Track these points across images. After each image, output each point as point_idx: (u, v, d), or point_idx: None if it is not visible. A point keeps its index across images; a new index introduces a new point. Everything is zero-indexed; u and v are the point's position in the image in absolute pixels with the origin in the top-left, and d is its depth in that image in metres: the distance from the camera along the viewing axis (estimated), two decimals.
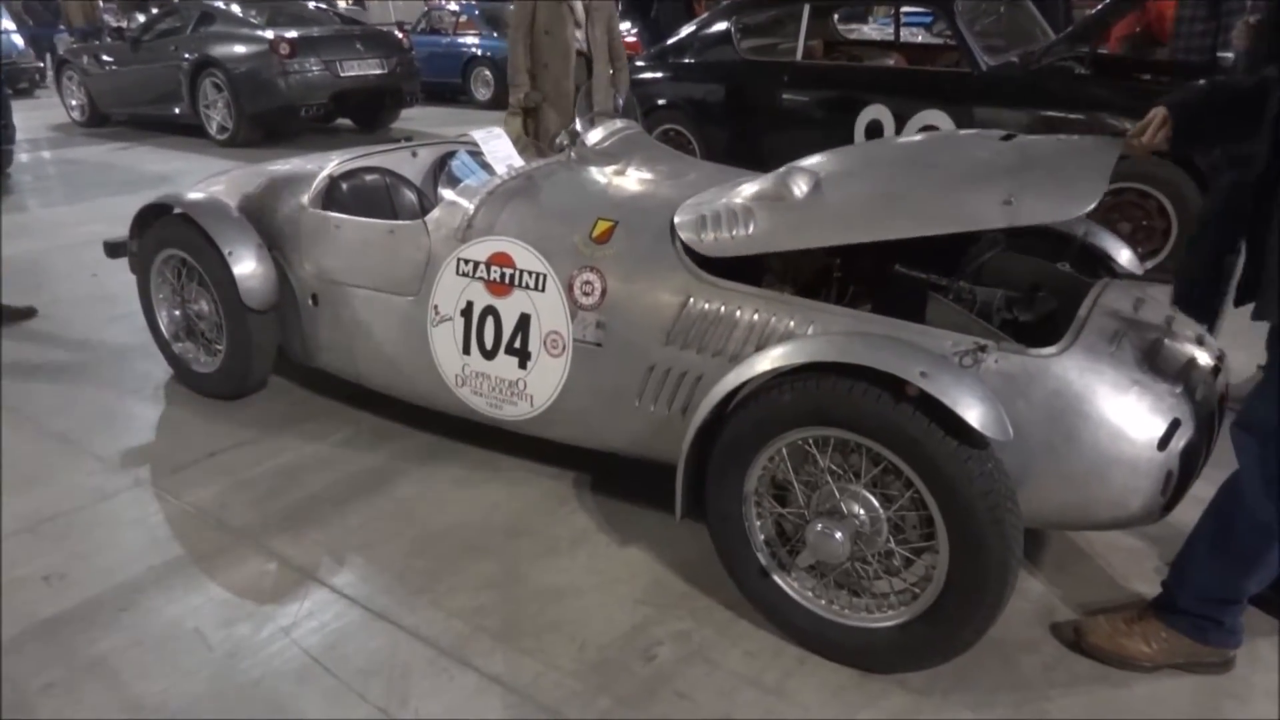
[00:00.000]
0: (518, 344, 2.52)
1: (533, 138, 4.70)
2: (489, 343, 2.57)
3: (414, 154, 3.43)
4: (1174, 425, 1.86)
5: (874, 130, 5.19)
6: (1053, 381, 1.89)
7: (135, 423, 3.09)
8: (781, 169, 2.37)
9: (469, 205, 2.59)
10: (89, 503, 2.59)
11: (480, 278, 2.55)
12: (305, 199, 2.99)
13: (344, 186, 3.14)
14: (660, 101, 6.08)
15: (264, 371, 3.18)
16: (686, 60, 6.11)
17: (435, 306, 2.65)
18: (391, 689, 1.89)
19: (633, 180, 2.63)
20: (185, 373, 3.29)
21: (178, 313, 3.22)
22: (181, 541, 2.40)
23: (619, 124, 3.00)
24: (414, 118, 10.59)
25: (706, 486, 2.03)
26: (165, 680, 1.92)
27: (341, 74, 8.78)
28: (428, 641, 2.03)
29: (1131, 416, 1.86)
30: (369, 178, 3.22)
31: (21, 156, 8.53)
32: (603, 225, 2.42)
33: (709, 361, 2.22)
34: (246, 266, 2.95)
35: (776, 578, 2.00)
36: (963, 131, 2.57)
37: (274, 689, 1.90)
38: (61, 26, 15.76)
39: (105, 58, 9.75)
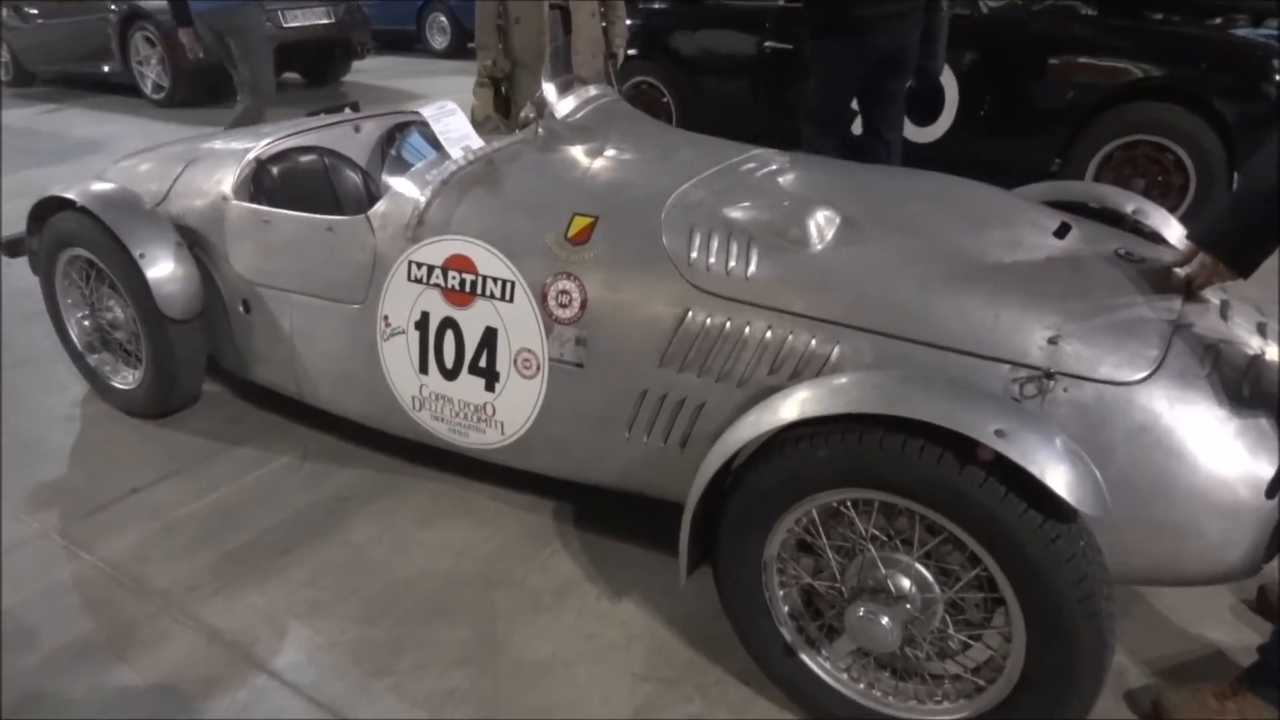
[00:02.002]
0: (483, 363, 2.14)
1: (503, 115, 3.94)
2: (449, 361, 2.18)
3: (356, 129, 2.99)
4: None
5: None
6: (1138, 415, 1.56)
7: (48, 449, 2.68)
8: (799, 193, 1.98)
9: (419, 197, 2.18)
10: None
11: (436, 284, 2.16)
12: (228, 188, 2.56)
13: (274, 171, 2.70)
14: (630, 51, 5.59)
15: (192, 386, 2.77)
16: (659, 4, 5.62)
17: (385, 317, 2.26)
18: None
19: (614, 162, 2.22)
20: (104, 388, 2.87)
21: (88, 321, 2.79)
22: (91, 613, 2.02)
23: (593, 90, 2.57)
24: (366, 69, 9.96)
25: (719, 547, 1.68)
26: None
27: (285, 24, 8.14)
28: None
29: (1233, 457, 1.53)
30: (304, 159, 2.78)
31: None
32: (580, 222, 2.03)
33: (712, 387, 1.86)
34: (163, 269, 2.52)
35: (804, 656, 1.67)
36: (1014, 198, 2.13)
37: None
38: None
39: (29, 10, 9.00)
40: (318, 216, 2.35)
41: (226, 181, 2.57)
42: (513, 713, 1.75)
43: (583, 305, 1.98)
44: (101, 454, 2.65)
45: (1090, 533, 1.39)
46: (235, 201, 2.52)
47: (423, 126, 3.06)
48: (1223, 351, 1.64)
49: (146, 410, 2.80)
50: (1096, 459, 1.54)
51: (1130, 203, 2.34)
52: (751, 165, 2.18)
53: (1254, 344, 1.67)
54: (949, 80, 4.50)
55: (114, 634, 1.96)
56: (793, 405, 1.50)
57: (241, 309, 2.58)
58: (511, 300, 2.06)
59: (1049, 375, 1.60)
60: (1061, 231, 1.89)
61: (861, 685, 1.64)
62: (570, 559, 2.17)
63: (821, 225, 1.84)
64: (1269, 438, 1.55)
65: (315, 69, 9.05)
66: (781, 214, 1.87)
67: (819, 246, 1.83)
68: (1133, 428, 1.56)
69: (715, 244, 1.89)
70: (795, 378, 1.78)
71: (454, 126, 2.30)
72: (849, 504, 1.53)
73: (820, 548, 1.60)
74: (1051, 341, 1.61)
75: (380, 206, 2.24)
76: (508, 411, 2.13)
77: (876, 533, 1.53)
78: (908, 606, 1.50)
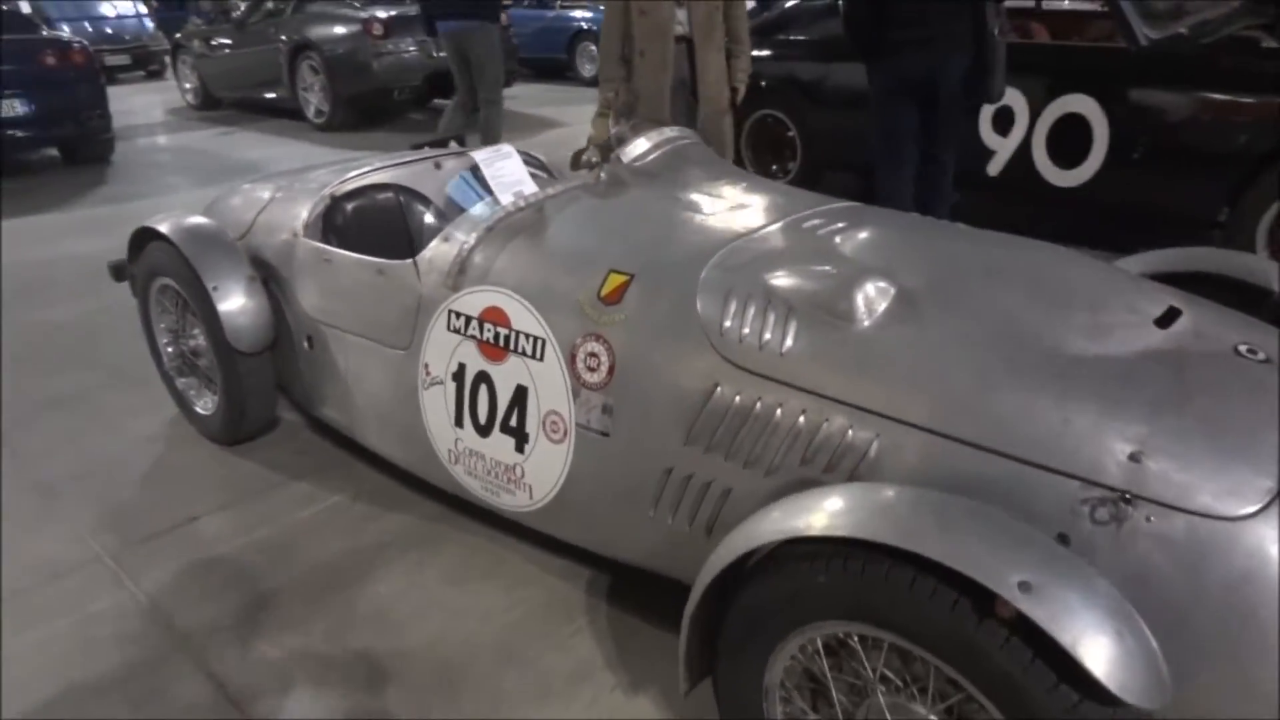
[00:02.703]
0: (514, 422, 2.02)
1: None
2: (483, 416, 2.08)
3: (437, 165, 2.96)
4: None
5: (1002, 119, 4.41)
6: (1241, 559, 1.25)
7: (128, 470, 2.77)
8: (855, 258, 1.77)
9: (462, 244, 2.10)
10: (36, 584, 2.27)
11: (473, 336, 2.06)
12: (300, 224, 2.57)
13: (348, 209, 2.70)
14: (761, 83, 5.41)
15: (261, 417, 2.80)
16: (789, 36, 5.42)
17: (426, 365, 2.19)
18: None
19: (667, 214, 2.06)
20: (189, 412, 2.95)
21: (171, 348, 2.88)
22: (116, 648, 2.03)
23: (669, 132, 2.43)
24: (516, 96, 10.22)
25: (718, 661, 1.48)
26: None
27: (435, 54, 8.44)
28: None
29: None
30: (379, 198, 2.78)
31: (138, 141, 8.64)
32: (615, 280, 1.88)
33: (740, 472, 1.66)
34: (234, 303, 2.56)
35: None
36: (1116, 273, 1.81)
37: None
38: (192, 10, 16.21)
39: (215, 41, 9.78)
40: (370, 259, 2.32)
41: (300, 218, 2.59)
42: None
43: (610, 370, 1.83)
44: (173, 478, 2.72)
45: (1145, 712, 1.10)
46: (304, 239, 2.53)
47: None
48: None
49: (221, 437, 2.85)
50: (1183, 610, 1.26)
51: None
52: (817, 221, 1.97)
53: None
54: (1097, 119, 4.07)
55: (127, 675, 1.96)
56: (790, 517, 1.29)
57: (306, 345, 2.58)
58: (542, 359, 1.94)
59: (1127, 499, 1.31)
60: (1168, 319, 1.58)
61: None
62: (594, 639, 2.01)
63: (871, 299, 1.61)
64: None
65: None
66: (828, 284, 1.66)
67: (866, 323, 1.60)
68: (1234, 575, 1.25)
69: (752, 313, 1.69)
70: (830, 471, 1.56)
71: (507, 171, 2.21)
72: (855, 638, 1.29)
73: (827, 683, 1.37)
74: (1134, 458, 1.33)
75: (427, 251, 2.18)
76: (536, 475, 2.01)
77: (890, 674, 1.29)
78: None
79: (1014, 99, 4.33)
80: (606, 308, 1.86)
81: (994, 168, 4.51)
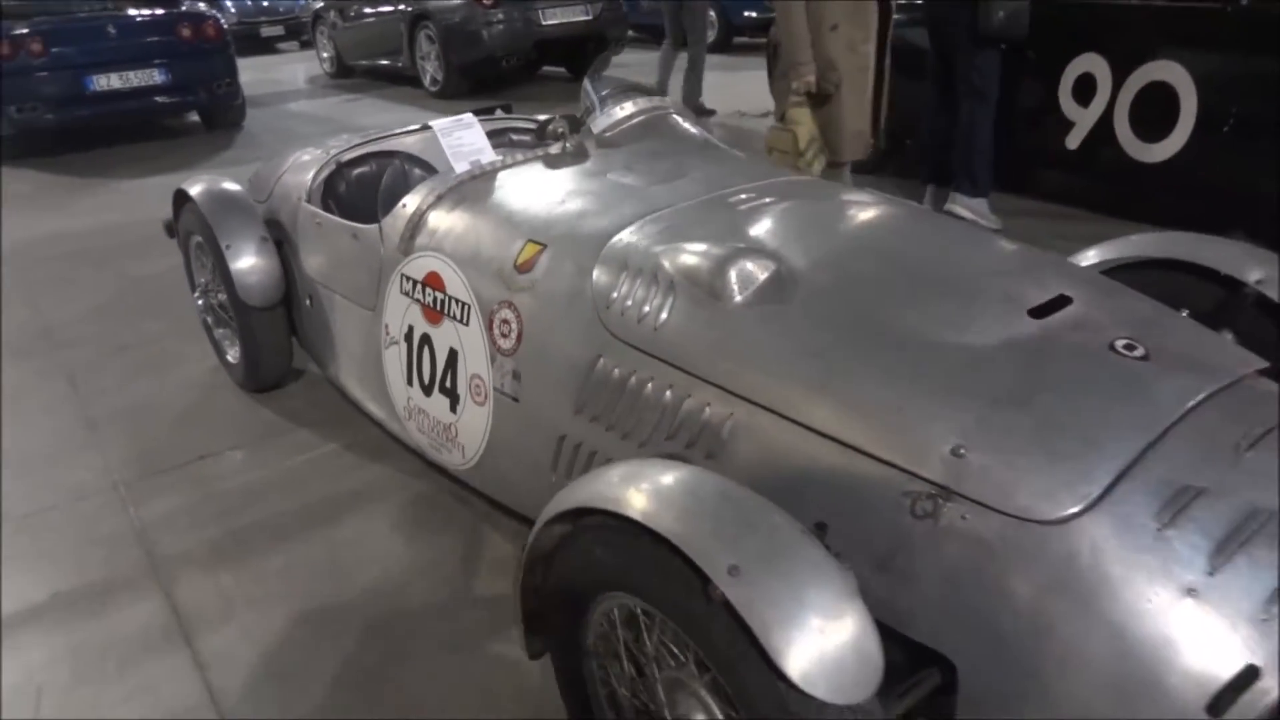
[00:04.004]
0: (448, 383, 2.10)
1: (822, 141, 3.45)
2: (426, 376, 2.17)
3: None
4: (1245, 678, 1.09)
5: (1084, 87, 4.10)
6: (1050, 566, 1.18)
7: (163, 411, 3.05)
8: (752, 235, 1.73)
9: (414, 210, 2.18)
10: (62, 503, 2.55)
11: (418, 300, 2.15)
12: (304, 190, 2.73)
13: (350, 176, 2.84)
14: None
15: (276, 369, 3.01)
16: None
17: (386, 326, 2.29)
18: None
19: (605, 186, 2.07)
20: (223, 360, 3.21)
21: (201, 301, 3.13)
22: (102, 566, 2.27)
23: (646, 103, 2.42)
24: (627, 64, 10.24)
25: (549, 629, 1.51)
26: None
27: (543, 22, 8.60)
28: None
29: (1162, 648, 1.11)
30: (381, 165, 2.90)
31: (273, 107, 9.25)
32: (530, 249, 1.92)
33: (618, 443, 1.68)
34: (244, 261, 2.76)
35: None
36: (1027, 260, 1.68)
37: None
38: None
39: (347, 11, 10.29)
40: (347, 223, 2.44)
41: (305, 183, 2.75)
42: None
43: (519, 337, 1.88)
44: (198, 420, 2.97)
45: (871, 709, 1.07)
46: (304, 203, 2.69)
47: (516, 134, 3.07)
48: (1212, 498, 1.19)
49: (244, 385, 3.09)
50: (988, 614, 1.21)
51: (1259, 267, 1.79)
52: (744, 197, 1.93)
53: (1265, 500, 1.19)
54: (1185, 87, 3.72)
55: (107, 589, 2.19)
56: (576, 490, 1.30)
57: (308, 303, 2.75)
58: (468, 324, 2.00)
59: (945, 495, 1.26)
60: (1050, 308, 1.47)
61: None
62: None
63: (745, 277, 1.58)
64: (1234, 632, 1.10)
65: (575, 63, 9.47)
66: (709, 260, 1.63)
67: (736, 301, 1.57)
68: (1040, 582, 1.18)
69: (638, 287, 1.69)
70: (690, 447, 1.56)
71: (467, 140, 2.27)
72: (640, 611, 1.30)
73: (634, 653, 1.38)
74: (955, 453, 1.26)
75: (390, 217, 2.27)
76: (466, 435, 2.08)
77: (675, 649, 1.29)
78: None
79: (1096, 64, 4.03)
80: (519, 276, 1.90)
81: (1073, 140, 4.21)
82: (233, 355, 3.12)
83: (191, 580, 2.21)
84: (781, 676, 1.00)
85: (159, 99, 7.32)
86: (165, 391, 3.18)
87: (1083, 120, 4.15)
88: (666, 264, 1.68)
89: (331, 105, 9.21)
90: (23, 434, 2.94)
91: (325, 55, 11.11)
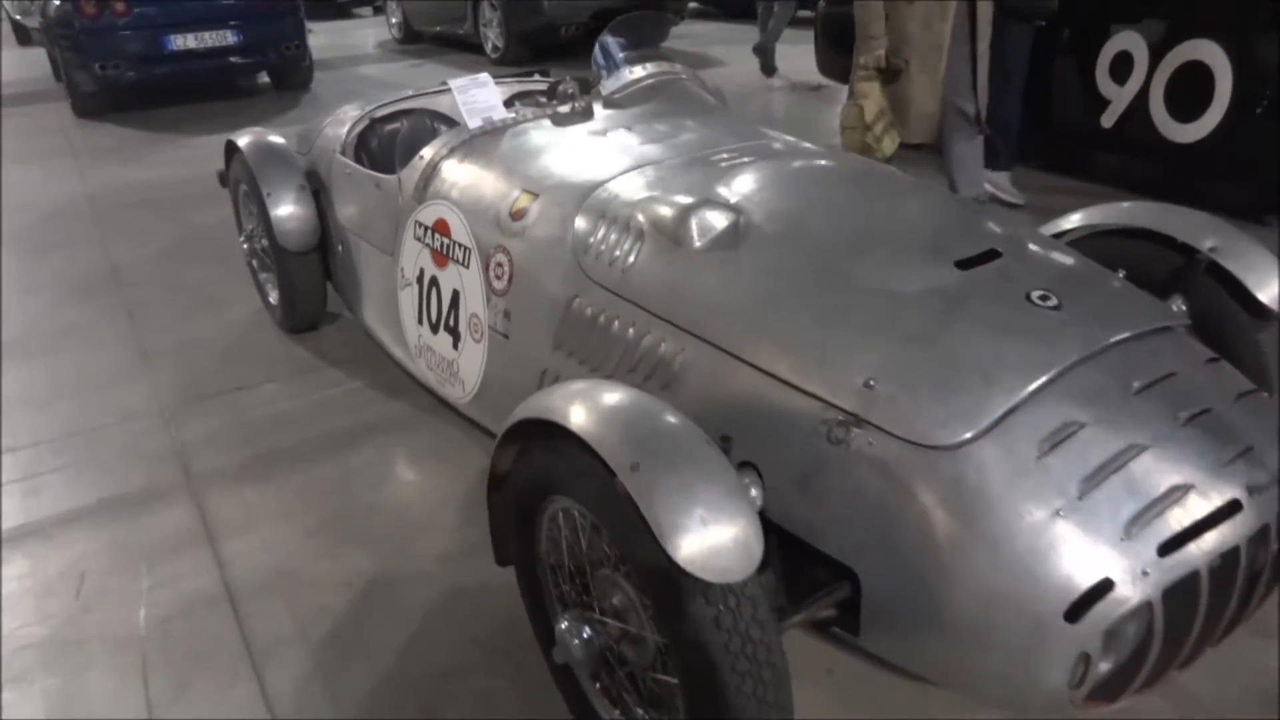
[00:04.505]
0: (451, 322, 2.28)
1: (892, 116, 3.48)
2: (433, 316, 2.36)
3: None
4: (1099, 589, 1.20)
5: (1120, 66, 4.07)
6: (937, 488, 1.30)
7: (210, 346, 3.30)
8: (721, 190, 1.85)
9: (428, 161, 2.36)
10: (111, 422, 2.82)
11: (428, 245, 2.33)
12: (340, 143, 2.93)
13: (383, 130, 3.03)
14: None
15: (311, 313, 3.24)
16: None
17: (402, 269, 2.48)
18: (179, 679, 1.84)
19: (599, 143, 2.22)
20: (265, 302, 3.45)
21: (245, 245, 3.37)
22: (143, 478, 2.52)
23: (659, 67, 2.55)
24: (688, 35, 10.31)
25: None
26: (19, 620, 2.02)
27: None
28: (249, 639, 1.94)
29: (1030, 562, 1.23)
30: (410, 122, 3.08)
31: (340, 70, 9.56)
32: (524, 198, 2.08)
33: (587, 377, 1.83)
34: (284, 209, 2.97)
35: (575, 669, 1.62)
36: (958, 215, 1.80)
37: (89, 651, 1.92)
38: None
39: None
40: (371, 173, 2.63)
41: (341, 137, 2.95)
42: (362, 634, 1.92)
43: (510, 279, 2.04)
44: (239, 356, 3.22)
45: (757, 597, 1.21)
46: (338, 155, 2.89)
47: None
48: (1094, 431, 1.29)
49: (283, 325, 3.33)
50: (885, 534, 1.34)
51: (1214, 236, 1.85)
52: (725, 155, 2.05)
53: (1137, 436, 1.29)
54: (1220, 64, 3.69)
55: (145, 497, 2.44)
56: (523, 408, 1.45)
57: (340, 249, 2.96)
58: (468, 267, 2.17)
59: (856, 423, 1.39)
60: (977, 261, 1.57)
61: (608, 703, 1.57)
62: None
63: (705, 226, 1.71)
64: (1092, 550, 1.21)
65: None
66: (674, 210, 1.77)
67: (694, 247, 1.71)
68: (933, 502, 1.30)
69: (614, 233, 1.84)
70: (647, 380, 1.71)
71: (481, 98, 2.43)
72: (577, 514, 1.46)
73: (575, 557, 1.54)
74: (868, 385, 1.39)
75: (407, 168, 2.45)
76: (466, 370, 2.26)
77: (608, 548, 1.44)
78: (605, 627, 1.41)
79: (1134, 42, 4.00)
80: (513, 222, 2.06)
81: (1108, 119, 4.19)
82: (274, 298, 3.35)
83: (219, 494, 2.44)
84: (668, 558, 1.15)
85: (232, 59, 7.65)
86: (213, 329, 3.44)
87: (1118, 99, 4.13)
88: (638, 213, 1.83)
89: (396, 70, 9.46)
90: (85, 361, 3.22)
91: (394, 21, 11.37)
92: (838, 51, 5.71)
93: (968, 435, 1.30)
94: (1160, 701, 1.65)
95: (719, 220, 1.72)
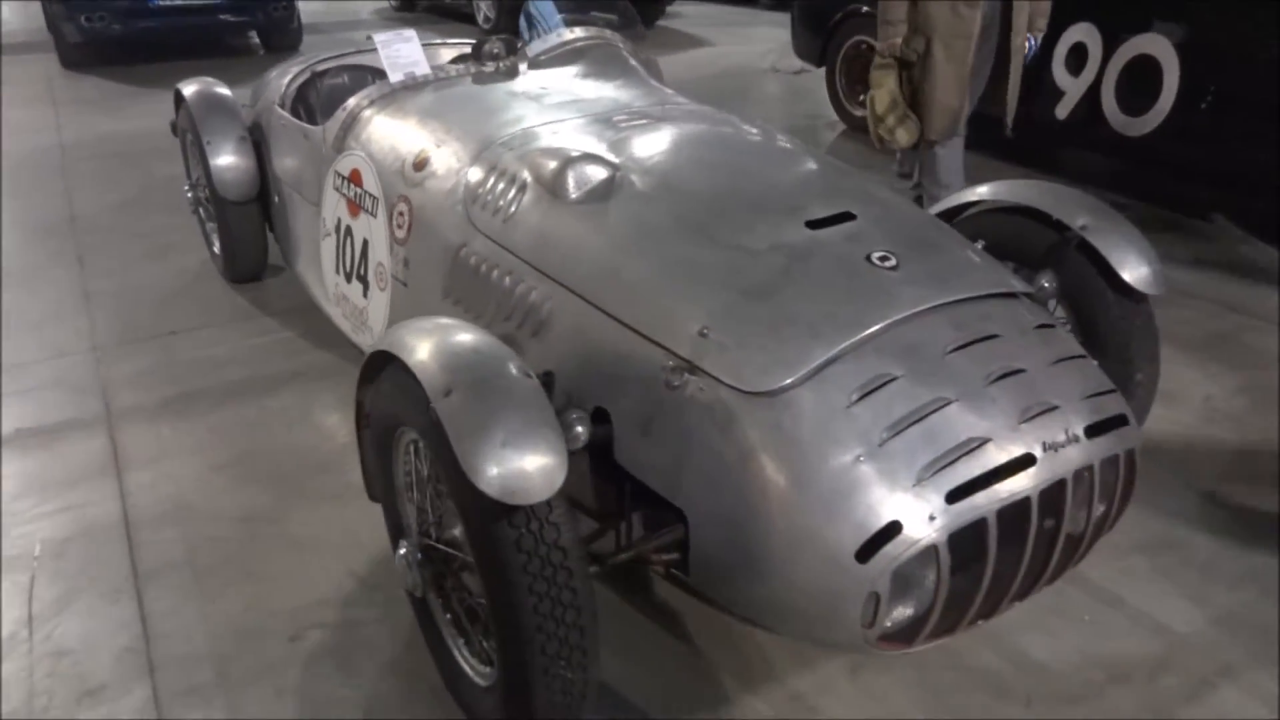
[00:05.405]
0: (362, 271, 2.34)
1: (908, 107, 3.35)
2: (348, 265, 2.41)
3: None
4: (888, 531, 1.26)
5: (1075, 57, 4.10)
6: (757, 432, 1.36)
7: (152, 292, 3.35)
8: (604, 147, 1.90)
9: (347, 114, 2.40)
10: (44, 358, 2.88)
11: (345, 194, 2.38)
12: (278, 95, 2.97)
13: (324, 85, 3.07)
14: (863, 9, 5.25)
15: (251, 261, 3.28)
16: None
17: (324, 219, 2.53)
18: (64, 596, 1.91)
19: (507, 101, 2.26)
20: (211, 252, 3.50)
21: (190, 194, 3.42)
22: (64, 410, 2.59)
23: (588, 32, 2.60)
24: (684, 14, 10.29)
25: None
26: None
27: None
28: (137, 563, 2.01)
29: (830, 504, 1.28)
30: (350, 78, 3.12)
31: (332, 35, 9.55)
32: (426, 150, 2.12)
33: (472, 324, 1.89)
34: (224, 158, 3.02)
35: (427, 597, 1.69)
36: (823, 179, 1.85)
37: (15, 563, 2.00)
38: None
39: None
40: (300, 124, 2.68)
41: (281, 89, 2.99)
42: (247, 564, 1.98)
43: (409, 228, 2.09)
44: (179, 302, 3.27)
45: (563, 524, 1.27)
46: (277, 108, 2.93)
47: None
48: (906, 384, 1.35)
49: (225, 274, 3.38)
50: (710, 476, 1.39)
51: (1087, 215, 1.90)
52: (624, 117, 2.10)
53: (947, 390, 1.34)
54: (1167, 56, 3.71)
55: (63, 428, 2.50)
56: (375, 342, 1.51)
57: (276, 200, 3.01)
58: (376, 216, 2.23)
59: (691, 369, 1.44)
60: (827, 222, 1.62)
61: (451, 629, 1.63)
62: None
63: (581, 179, 1.76)
64: (886, 495, 1.27)
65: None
66: (554, 162, 1.82)
67: (569, 199, 1.76)
68: (748, 446, 1.36)
69: (501, 185, 1.89)
70: (520, 328, 1.76)
71: (404, 53, 2.47)
72: (417, 441, 1.52)
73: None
74: (702, 334, 1.45)
75: (330, 120, 2.49)
76: (374, 317, 2.31)
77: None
78: (444, 558, 1.48)
79: (1089, 34, 4.02)
80: (415, 173, 2.11)
81: (1062, 110, 4.21)
82: (217, 247, 3.40)
83: (135, 429, 2.50)
84: (468, 480, 1.21)
85: (220, 17, 7.66)
86: (158, 276, 3.49)
87: (1072, 90, 4.15)
88: (524, 166, 1.88)
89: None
90: (28, 300, 3.28)
91: None
92: (813, 34, 5.74)
93: (787, 382, 1.36)
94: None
95: (596, 174, 1.77)
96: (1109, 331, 1.90)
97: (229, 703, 1.66)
